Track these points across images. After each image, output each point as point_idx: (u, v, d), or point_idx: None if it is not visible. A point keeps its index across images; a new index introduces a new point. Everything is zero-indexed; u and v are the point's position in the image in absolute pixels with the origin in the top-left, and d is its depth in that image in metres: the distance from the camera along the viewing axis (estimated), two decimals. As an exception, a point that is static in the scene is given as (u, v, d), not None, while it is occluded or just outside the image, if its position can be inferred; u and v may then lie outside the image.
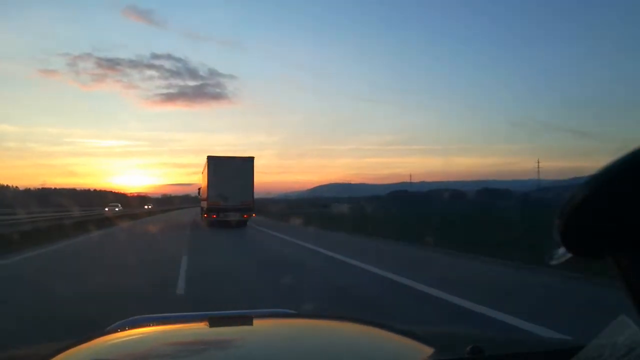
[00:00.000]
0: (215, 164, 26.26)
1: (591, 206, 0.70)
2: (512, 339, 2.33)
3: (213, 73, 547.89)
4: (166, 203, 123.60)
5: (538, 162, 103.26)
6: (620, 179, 0.67)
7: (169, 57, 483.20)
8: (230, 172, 27.08)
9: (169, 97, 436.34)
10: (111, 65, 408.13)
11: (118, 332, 1.86)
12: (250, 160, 27.77)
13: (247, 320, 2.23)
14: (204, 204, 28.11)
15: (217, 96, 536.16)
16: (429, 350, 1.57)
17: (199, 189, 42.47)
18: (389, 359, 1.66)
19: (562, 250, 0.78)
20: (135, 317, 2.22)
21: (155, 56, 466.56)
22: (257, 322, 2.18)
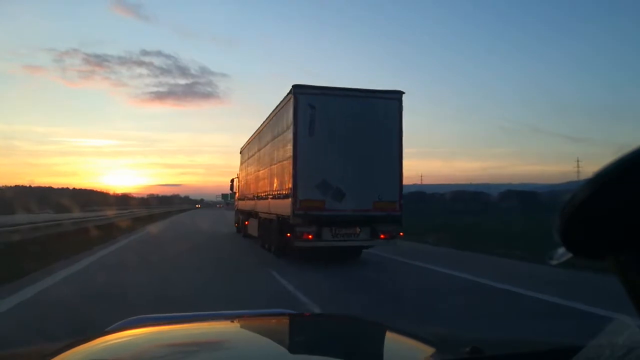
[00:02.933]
0: (311, 104, 10.97)
1: (591, 206, 0.61)
2: (512, 339, 1.90)
3: (204, 71, 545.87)
4: (164, 204, 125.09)
5: (578, 161, 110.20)
6: (620, 179, 0.58)
7: (158, 53, 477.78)
8: (348, 127, 11.43)
9: (159, 96, 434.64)
10: (99, 61, 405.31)
11: (118, 332, 1.75)
12: (393, 102, 11.60)
13: (247, 320, 2.11)
14: (280, 208, 12.35)
15: (208, 95, 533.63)
16: (429, 350, 1.44)
17: (233, 181, 26.24)
18: (389, 359, 1.49)
19: (562, 250, 0.70)
20: (135, 317, 2.01)
21: (145, 52, 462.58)
22: (257, 322, 2.06)
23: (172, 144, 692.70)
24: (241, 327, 1.93)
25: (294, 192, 10.77)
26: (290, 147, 11.10)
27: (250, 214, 18.08)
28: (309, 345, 1.62)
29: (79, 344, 1.47)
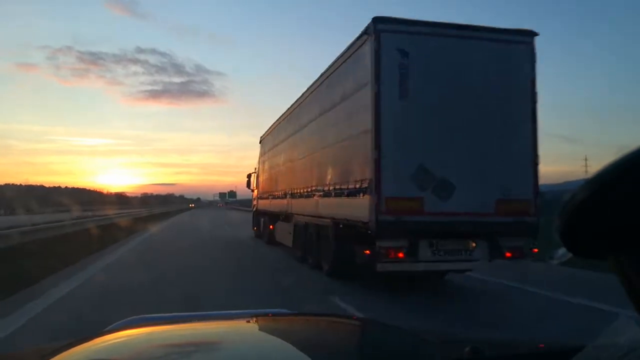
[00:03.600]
0: (402, 49, 6.44)
1: (591, 206, 0.60)
2: (512, 340, 2.25)
3: (200, 69, 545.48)
4: (162, 203, 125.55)
5: (585, 160, 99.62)
6: (620, 179, 0.57)
7: (153, 51, 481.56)
8: (457, 84, 6.92)
9: (154, 94, 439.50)
10: (94, 59, 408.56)
11: (117, 332, 1.80)
12: (522, 46, 7.16)
13: (246, 319, 2.17)
14: (347, 210, 7.91)
15: (204, 94, 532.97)
16: (429, 351, 1.47)
17: (250, 176, 21.77)
18: (389, 359, 1.48)
19: (562, 250, 0.68)
20: (135, 317, 2.07)
21: (140, 50, 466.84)
22: (256, 322, 2.10)
23: (167, 143, 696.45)
24: (241, 327, 1.96)
25: (376, 186, 7.21)
26: (367, 116, 7.54)
27: (277, 217, 14.03)
28: (309, 345, 1.64)
29: (78, 344, 1.50)
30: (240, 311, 2.39)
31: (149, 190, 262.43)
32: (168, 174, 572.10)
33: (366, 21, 6.84)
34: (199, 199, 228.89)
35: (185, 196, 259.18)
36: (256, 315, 2.26)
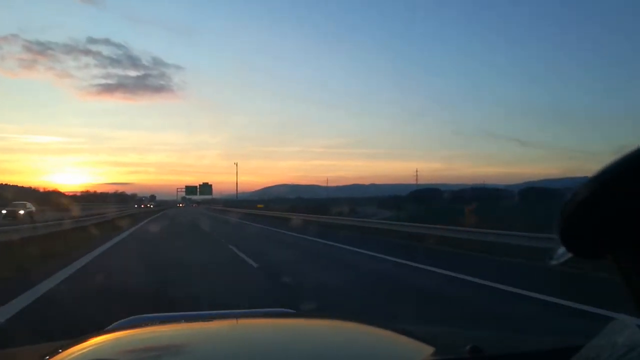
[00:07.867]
0: None
1: (591, 206, 0.62)
2: (512, 339, 2.03)
3: (157, 62, 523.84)
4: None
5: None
6: (620, 179, 0.59)
7: (107, 42, 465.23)
8: None
9: (107, 88, 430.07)
10: (42, 49, 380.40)
11: (118, 332, 1.88)
12: None
13: (246, 319, 2.22)
14: None
15: (161, 88, 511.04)
16: (429, 350, 1.49)
17: None
18: (388, 359, 1.57)
19: (562, 250, 0.71)
20: (135, 316, 2.16)
21: (92, 40, 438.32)
22: (256, 322, 2.16)
23: (121, 142, 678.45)
24: (241, 326, 1.95)
25: None
26: None
27: None
28: (309, 344, 1.64)
29: (78, 344, 1.50)
30: (241, 311, 2.50)
31: (105, 190, 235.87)
32: (123, 173, 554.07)
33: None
34: (153, 195, 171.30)
35: (139, 195, 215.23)
36: (256, 315, 2.28)
